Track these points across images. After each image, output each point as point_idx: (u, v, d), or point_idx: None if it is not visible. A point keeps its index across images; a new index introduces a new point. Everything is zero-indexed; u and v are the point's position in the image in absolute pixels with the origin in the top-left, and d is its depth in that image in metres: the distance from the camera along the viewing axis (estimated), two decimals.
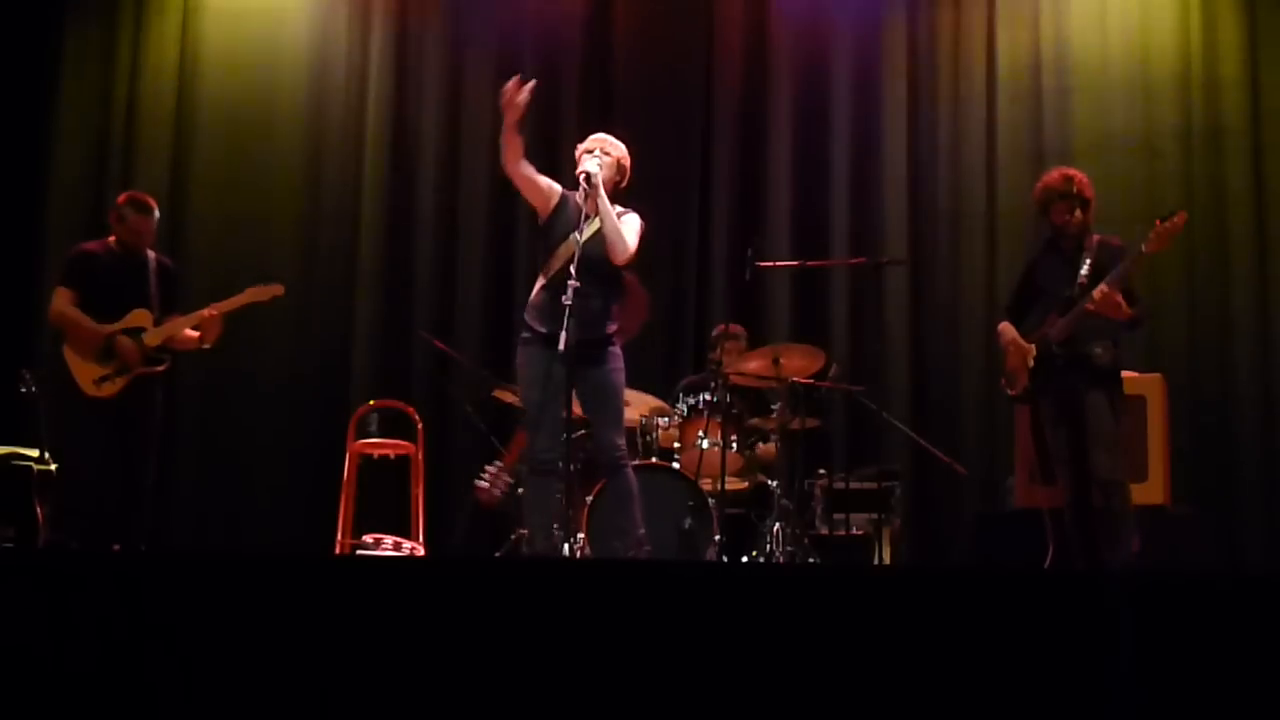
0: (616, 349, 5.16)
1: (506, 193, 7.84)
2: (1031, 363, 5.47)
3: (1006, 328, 5.63)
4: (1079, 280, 5.36)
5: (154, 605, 3.27)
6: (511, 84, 4.92)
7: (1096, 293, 5.22)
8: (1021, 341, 5.53)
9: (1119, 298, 5.21)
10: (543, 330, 5.00)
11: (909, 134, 7.71)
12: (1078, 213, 5.45)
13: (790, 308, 7.65)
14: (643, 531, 5.10)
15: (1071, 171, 5.60)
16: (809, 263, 7.13)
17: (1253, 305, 7.22)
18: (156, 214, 6.04)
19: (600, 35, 7.95)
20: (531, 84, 4.91)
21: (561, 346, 4.76)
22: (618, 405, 5.17)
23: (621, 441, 5.16)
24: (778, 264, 7.02)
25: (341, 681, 3.18)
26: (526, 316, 5.13)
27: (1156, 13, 7.54)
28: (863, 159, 7.75)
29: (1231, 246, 7.31)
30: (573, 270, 4.86)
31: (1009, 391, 5.66)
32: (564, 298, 4.81)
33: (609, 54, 7.94)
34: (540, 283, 5.08)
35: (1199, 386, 7.18)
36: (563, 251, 4.99)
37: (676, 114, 7.88)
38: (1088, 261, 5.37)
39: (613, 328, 5.14)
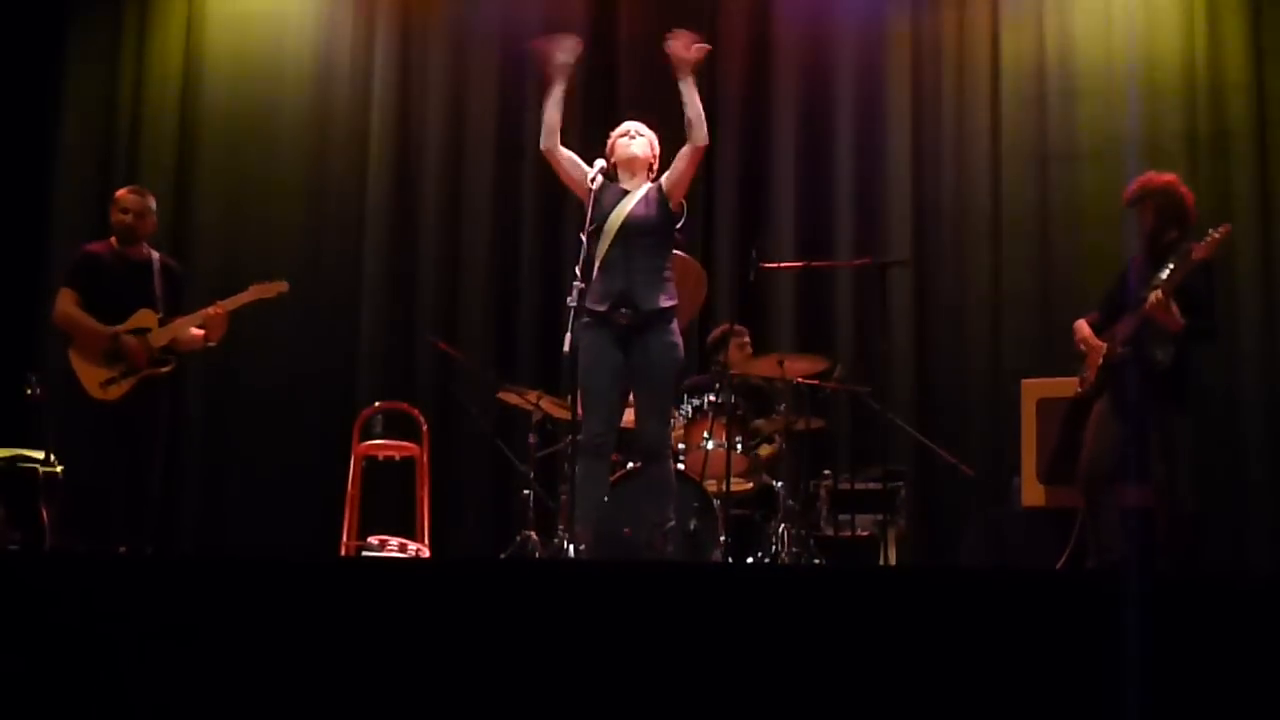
0: (674, 326, 5.14)
1: (511, 194, 7.90)
2: (1101, 360, 5.50)
3: (1080, 324, 5.65)
4: (1155, 284, 5.35)
5: (160, 608, 3.28)
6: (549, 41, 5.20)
7: (1152, 297, 5.23)
8: (1094, 340, 5.56)
9: (1172, 306, 5.20)
10: (599, 309, 5.02)
11: (912, 135, 7.71)
12: (1150, 217, 5.45)
13: (794, 308, 7.65)
14: (673, 524, 5.09)
15: (1167, 178, 5.57)
16: (813, 263, 7.12)
17: (1258, 307, 7.20)
18: (153, 200, 6.03)
19: (603, 36, 7.94)
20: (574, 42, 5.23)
21: (606, 308, 4.96)
22: (665, 392, 5.17)
23: (666, 432, 5.19)
24: (782, 265, 7.01)
25: (347, 683, 3.19)
26: (586, 300, 5.08)
27: (1161, 16, 7.51)
28: (866, 160, 7.73)
29: (1236, 249, 7.28)
30: (604, 248, 5.00)
31: (1078, 387, 5.68)
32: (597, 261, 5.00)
33: (612, 55, 7.93)
34: (596, 265, 5.08)
35: (1205, 388, 7.16)
36: (608, 230, 5.06)
37: (679, 114, 7.85)
38: (1169, 268, 5.32)
39: (668, 301, 5.12)
